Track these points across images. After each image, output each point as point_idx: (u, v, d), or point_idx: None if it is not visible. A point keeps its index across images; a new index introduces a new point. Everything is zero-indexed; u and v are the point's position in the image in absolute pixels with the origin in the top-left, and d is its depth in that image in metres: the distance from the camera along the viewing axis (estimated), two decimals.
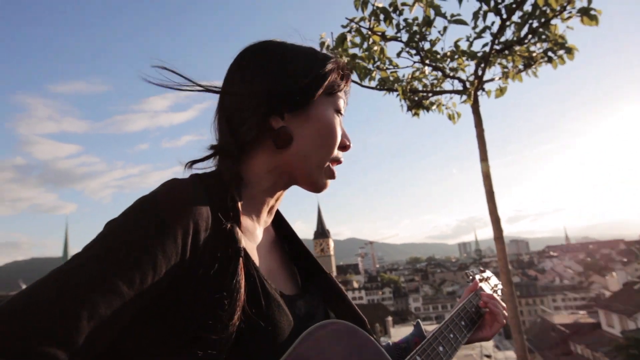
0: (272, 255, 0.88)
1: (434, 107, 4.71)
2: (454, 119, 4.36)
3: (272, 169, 0.83)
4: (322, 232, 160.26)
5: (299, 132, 0.81)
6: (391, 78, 4.05)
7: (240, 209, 0.77)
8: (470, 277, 1.26)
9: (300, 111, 0.81)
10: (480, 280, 1.27)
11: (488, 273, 1.32)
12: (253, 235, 0.83)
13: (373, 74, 3.78)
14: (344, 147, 0.88)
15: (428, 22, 3.46)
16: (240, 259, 0.70)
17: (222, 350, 0.64)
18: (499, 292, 1.31)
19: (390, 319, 51.28)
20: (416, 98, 4.65)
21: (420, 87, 4.50)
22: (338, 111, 0.85)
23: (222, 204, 0.73)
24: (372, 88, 4.13)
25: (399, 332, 39.96)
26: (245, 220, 0.81)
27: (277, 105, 0.80)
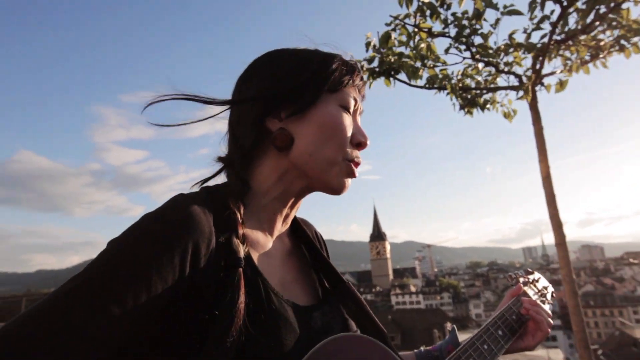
0: (288, 265, 0.86)
1: (489, 105, 4.45)
2: (509, 117, 4.09)
3: (281, 175, 0.80)
4: (378, 235, 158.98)
5: (299, 132, 0.78)
6: (440, 76, 3.87)
7: (244, 219, 0.76)
8: (514, 280, 1.17)
9: (298, 110, 0.78)
10: (526, 284, 1.17)
11: (536, 275, 1.21)
12: (264, 246, 0.81)
13: (420, 73, 3.63)
14: (358, 145, 0.83)
15: (478, 15, 3.26)
16: (240, 270, 0.68)
17: None
18: (549, 296, 1.19)
19: (449, 325, 49.61)
20: (468, 96, 4.43)
21: (473, 85, 4.27)
22: (345, 107, 0.81)
23: (220, 218, 0.71)
24: (420, 87, 3.99)
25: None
26: (254, 232, 0.79)
27: (270, 107, 0.78)
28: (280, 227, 0.85)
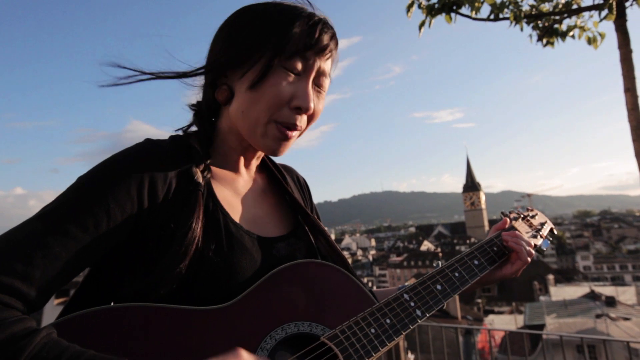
0: (261, 202, 0.94)
1: (573, 31, 3.90)
2: (595, 42, 3.55)
3: (230, 128, 0.87)
4: (472, 185, 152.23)
5: (238, 88, 0.82)
6: (507, 2, 3.46)
7: (211, 156, 0.85)
8: (506, 215, 1.18)
9: (242, 70, 0.81)
10: (517, 219, 1.18)
11: (534, 212, 1.22)
12: (232, 184, 0.89)
13: (477, 4, 3.28)
14: (298, 109, 0.81)
15: None
16: (199, 193, 0.77)
17: (172, 279, 0.70)
18: (545, 231, 1.19)
19: (551, 277, 46.82)
20: (546, 24, 3.91)
21: (550, 10, 3.75)
22: (290, 69, 0.79)
23: (186, 155, 0.81)
24: (484, 20, 3.61)
25: (561, 292, 36.21)
26: (221, 171, 0.89)
27: (220, 64, 0.83)
28: (245, 171, 0.94)
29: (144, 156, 0.75)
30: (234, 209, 0.86)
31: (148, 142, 0.79)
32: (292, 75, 0.79)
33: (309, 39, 0.78)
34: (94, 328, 0.64)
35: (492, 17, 3.57)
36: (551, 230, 1.20)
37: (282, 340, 0.75)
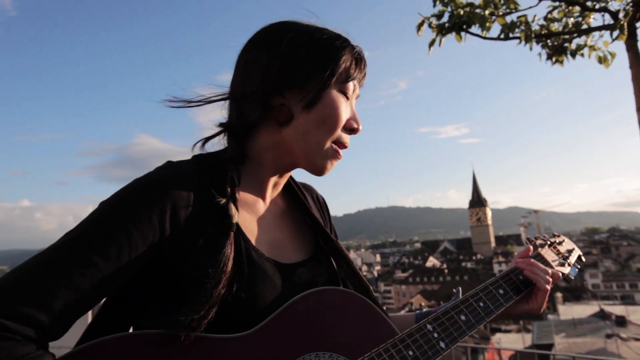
0: (281, 225, 0.91)
1: (582, 50, 3.93)
2: (606, 62, 3.57)
3: (273, 146, 0.85)
4: (478, 201, 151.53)
5: (299, 112, 0.82)
6: (517, 22, 3.50)
7: (240, 184, 0.82)
8: (532, 243, 1.13)
9: (302, 91, 0.81)
10: (544, 245, 1.13)
11: (561, 238, 1.17)
12: (254, 207, 0.87)
13: (487, 24, 3.33)
14: (351, 130, 0.87)
15: None
16: (231, 234, 0.74)
17: (205, 317, 0.69)
18: (573, 259, 1.14)
19: (559, 295, 46.13)
20: (556, 43, 3.95)
21: (560, 30, 3.79)
22: (344, 94, 0.84)
23: (218, 181, 0.78)
24: (494, 39, 3.66)
25: (570, 310, 35.61)
26: (245, 195, 0.86)
27: (278, 87, 0.81)
28: (271, 192, 0.91)
29: (167, 182, 0.73)
30: (254, 234, 0.84)
31: (170, 165, 0.77)
32: (346, 99, 0.84)
33: (358, 66, 0.85)
34: (114, 355, 0.64)
35: (502, 36, 3.61)
36: (579, 257, 1.15)
37: None
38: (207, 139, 0.88)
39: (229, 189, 0.77)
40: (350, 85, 0.84)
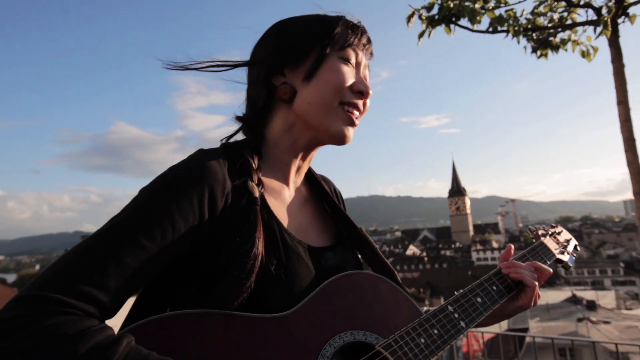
0: (305, 212, 0.95)
1: (566, 45, 4.06)
2: (589, 56, 3.71)
3: (290, 128, 0.89)
4: (457, 190, 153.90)
5: (299, 84, 0.86)
6: (505, 17, 3.59)
7: (261, 168, 0.86)
8: (534, 232, 1.21)
9: (300, 65, 0.86)
10: (545, 235, 1.20)
11: (559, 229, 1.24)
12: (280, 193, 0.91)
13: (478, 18, 3.41)
14: (359, 93, 0.89)
15: None
16: (257, 207, 0.78)
17: (245, 292, 0.72)
18: (570, 248, 1.22)
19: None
20: (541, 37, 4.07)
21: (546, 24, 3.90)
22: (346, 59, 0.88)
23: (238, 164, 0.82)
24: (483, 32, 3.74)
25: (544, 296, 36.86)
26: (271, 182, 0.89)
27: (275, 67, 0.87)
28: (294, 177, 0.95)
29: (204, 169, 0.76)
30: (284, 218, 0.87)
31: (204, 153, 0.81)
32: (349, 64, 0.88)
33: (355, 34, 0.89)
34: (160, 334, 0.67)
35: (490, 29, 3.70)
36: (575, 247, 1.23)
37: (340, 348, 0.77)
38: (230, 136, 0.93)
39: (245, 170, 0.82)
40: (350, 51, 0.88)
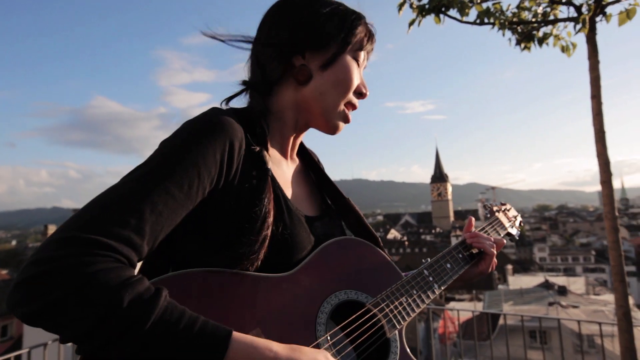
0: (298, 183, 1.00)
1: (548, 39, 4.24)
2: (568, 51, 3.90)
3: (293, 105, 0.94)
4: (439, 176, 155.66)
5: (316, 71, 0.91)
6: (493, 10, 3.75)
7: (269, 139, 0.89)
8: (488, 209, 1.38)
9: (320, 52, 0.90)
10: (499, 211, 1.38)
11: (508, 206, 1.43)
12: (279, 164, 0.95)
13: (467, 11, 3.56)
14: (360, 94, 0.97)
15: None
16: (269, 178, 0.83)
17: (257, 252, 0.77)
18: (517, 223, 1.41)
19: (510, 267, 49.06)
20: (525, 30, 4.24)
21: (530, 18, 4.07)
22: (356, 60, 0.94)
23: (252, 132, 0.85)
24: (471, 23, 3.89)
25: (518, 281, 38.14)
26: (273, 152, 0.94)
27: (300, 48, 0.90)
28: (289, 150, 1.00)
29: (226, 123, 0.78)
30: (285, 187, 0.92)
31: (221, 110, 0.83)
32: (357, 65, 0.94)
33: (370, 41, 0.96)
34: (181, 290, 0.69)
35: (478, 21, 3.86)
36: (520, 222, 1.43)
37: (336, 305, 0.85)
38: (230, 98, 0.94)
39: (260, 139, 0.86)
40: (362, 54, 0.95)
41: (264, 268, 0.79)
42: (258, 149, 0.83)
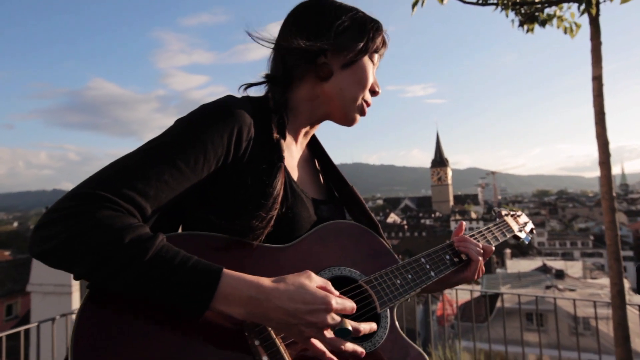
0: (305, 168, 1.08)
1: (552, 20, 4.23)
2: (571, 32, 3.89)
3: (312, 98, 1.01)
4: (440, 161, 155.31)
5: (338, 70, 0.99)
6: None
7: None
8: (497, 214, 1.41)
9: (342, 53, 0.98)
10: (509, 216, 1.40)
11: (519, 212, 1.46)
12: (290, 149, 1.02)
13: None
14: (373, 92, 1.06)
15: None
16: (283, 165, 0.90)
17: (264, 228, 0.84)
18: (527, 228, 1.43)
19: (508, 251, 49.40)
20: (529, 11, 4.22)
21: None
22: (372, 61, 1.03)
23: (268, 120, 0.93)
24: (473, 4, 3.88)
25: (516, 265, 38.50)
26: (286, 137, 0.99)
27: (325, 47, 0.96)
28: (302, 139, 1.08)
29: (236, 108, 0.86)
30: (293, 171, 1.00)
31: (234, 97, 0.90)
32: (372, 65, 1.03)
33: (384, 45, 1.06)
34: (180, 244, 0.75)
35: (481, 1, 3.84)
36: (532, 230, 1.44)
37: (329, 279, 0.89)
38: (250, 85, 1.01)
39: (279, 128, 0.94)
40: (376, 56, 1.04)
41: (264, 242, 0.86)
42: (277, 137, 0.91)
